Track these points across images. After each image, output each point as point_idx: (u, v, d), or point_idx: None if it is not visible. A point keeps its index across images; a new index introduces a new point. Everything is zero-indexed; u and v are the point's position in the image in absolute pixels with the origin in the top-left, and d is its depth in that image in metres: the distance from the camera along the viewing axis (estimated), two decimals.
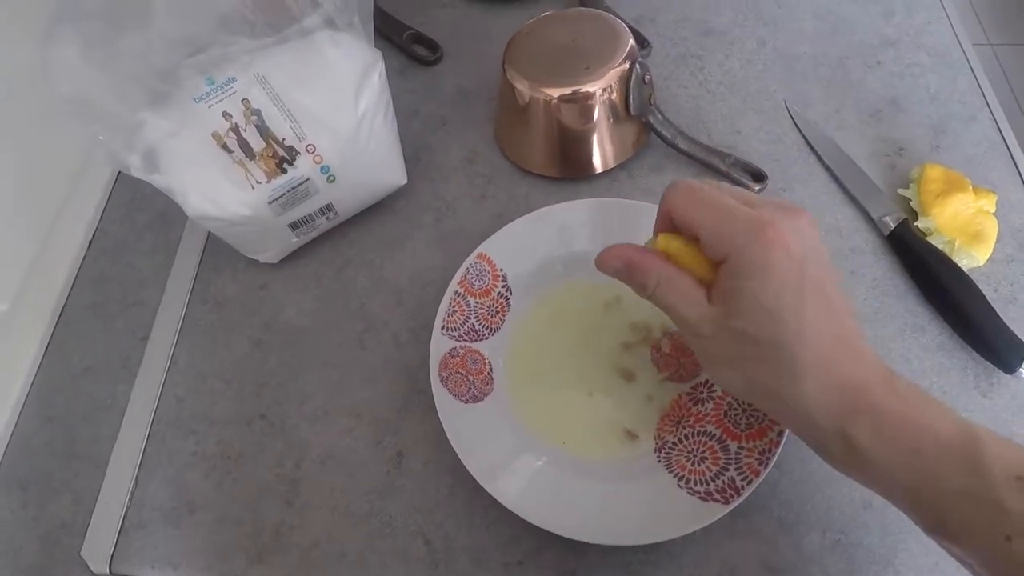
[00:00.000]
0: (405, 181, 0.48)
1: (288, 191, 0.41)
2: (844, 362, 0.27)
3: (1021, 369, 0.39)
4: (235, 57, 0.39)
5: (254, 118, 0.39)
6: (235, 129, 0.39)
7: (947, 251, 0.43)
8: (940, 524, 0.25)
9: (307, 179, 0.41)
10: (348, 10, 0.41)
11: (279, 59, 0.40)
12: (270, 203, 0.40)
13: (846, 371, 0.27)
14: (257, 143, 0.39)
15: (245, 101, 0.39)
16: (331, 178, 0.42)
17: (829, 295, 0.28)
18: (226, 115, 0.39)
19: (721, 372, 0.31)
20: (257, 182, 0.40)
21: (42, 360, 0.47)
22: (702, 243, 0.29)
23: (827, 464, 0.29)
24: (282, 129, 0.40)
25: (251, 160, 0.39)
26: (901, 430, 0.26)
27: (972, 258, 0.43)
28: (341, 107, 0.41)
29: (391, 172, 0.47)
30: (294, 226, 0.43)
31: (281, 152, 0.40)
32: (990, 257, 0.44)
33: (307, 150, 0.40)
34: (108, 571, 0.39)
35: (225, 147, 0.39)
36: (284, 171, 0.40)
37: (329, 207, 0.44)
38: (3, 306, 0.48)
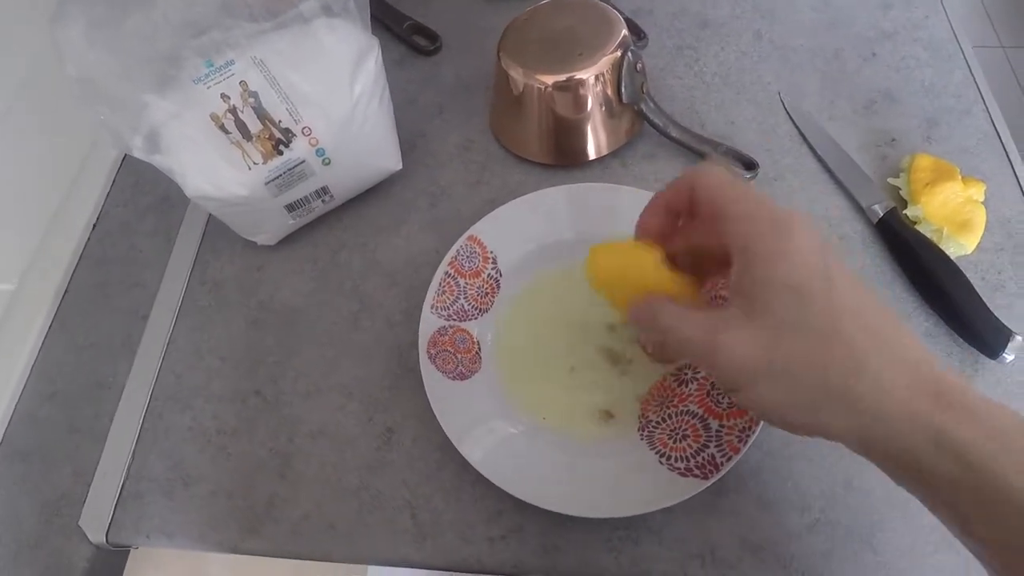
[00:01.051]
0: (400, 167, 0.49)
1: (284, 172, 0.42)
2: (905, 344, 0.24)
3: (1004, 354, 0.39)
4: (234, 41, 0.40)
5: (251, 100, 0.40)
6: (233, 111, 0.40)
7: (935, 239, 0.43)
8: None
9: (303, 161, 0.42)
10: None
11: (277, 44, 0.41)
12: (266, 184, 0.42)
13: (913, 354, 0.23)
14: (254, 125, 0.40)
15: (243, 83, 0.40)
16: (326, 161, 0.43)
17: (854, 279, 0.26)
18: (224, 97, 0.40)
19: (760, 387, 0.25)
20: (254, 163, 0.41)
21: (46, 337, 0.48)
22: (727, 228, 0.27)
23: (899, 485, 0.24)
24: (279, 111, 0.41)
25: (248, 141, 0.40)
26: (1001, 422, 0.22)
27: (960, 246, 0.43)
28: (336, 91, 0.42)
29: (386, 157, 0.47)
30: (290, 208, 0.44)
31: (277, 134, 0.41)
32: (979, 246, 0.44)
33: (303, 132, 0.41)
34: (105, 540, 0.40)
35: (223, 128, 0.40)
36: (280, 153, 0.41)
37: (324, 190, 0.45)
38: (9, 285, 0.50)
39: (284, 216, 0.45)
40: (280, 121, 0.41)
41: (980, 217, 0.44)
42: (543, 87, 0.46)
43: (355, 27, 0.43)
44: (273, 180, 0.42)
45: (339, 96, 0.42)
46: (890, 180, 0.47)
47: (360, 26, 0.43)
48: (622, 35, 0.46)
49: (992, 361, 0.40)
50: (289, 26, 0.42)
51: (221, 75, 0.40)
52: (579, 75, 0.45)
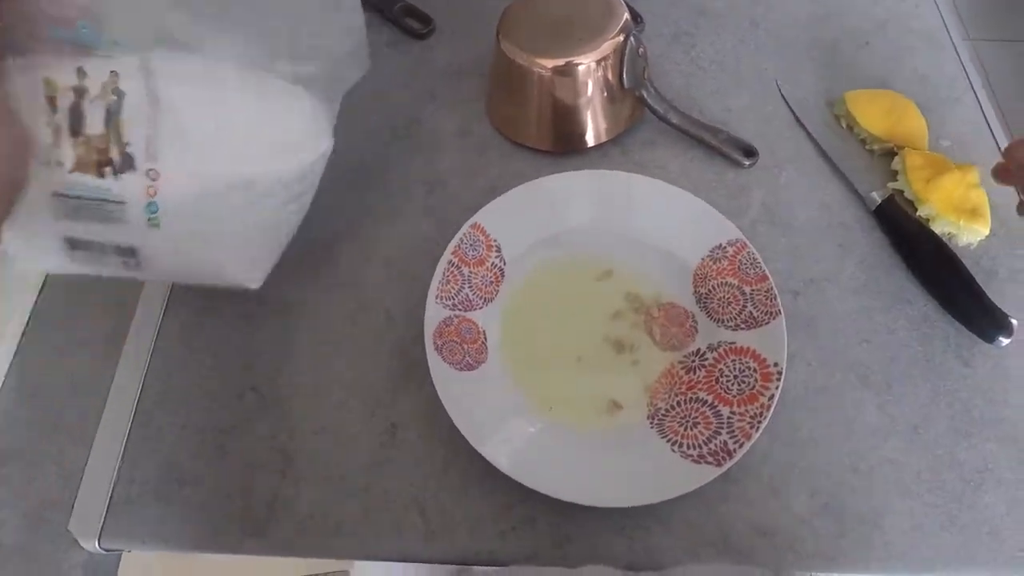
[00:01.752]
0: (257, 287, 0.39)
1: (83, 197, 0.32)
2: None
3: (1000, 339, 0.40)
4: (143, 32, 0.32)
5: (112, 98, 0.32)
6: (78, 91, 0.31)
7: (954, 232, 0.44)
8: None
9: (121, 202, 0.33)
10: (333, 84, 0.36)
11: (196, 66, 0.33)
12: (55, 195, 0.32)
13: None
14: (95, 126, 0.32)
15: (114, 73, 0.32)
16: (154, 221, 0.33)
17: None
18: (80, 71, 0.32)
19: None
20: (58, 162, 0.32)
21: (23, 334, 0.45)
22: None
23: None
24: (135, 133, 0.32)
25: (70, 136, 0.32)
26: None
27: (977, 232, 0.44)
28: (238, 160, 0.34)
29: (246, 268, 0.38)
30: (72, 243, 0.34)
31: (114, 155, 0.32)
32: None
33: (147, 173, 0.32)
34: (97, 546, 0.38)
35: (51, 101, 0.31)
36: (100, 176, 0.32)
37: (132, 251, 0.35)
38: None
39: (58, 245, 0.34)
40: (128, 144, 0.32)
41: (983, 199, 0.44)
42: (544, 72, 0.45)
43: (317, 111, 0.36)
44: (63, 195, 0.32)
45: (237, 167, 0.34)
46: (890, 185, 0.47)
47: (324, 113, 0.36)
48: (624, 19, 0.45)
49: (989, 345, 0.41)
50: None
51: (92, 46, 0.31)
52: (580, 59, 0.45)
